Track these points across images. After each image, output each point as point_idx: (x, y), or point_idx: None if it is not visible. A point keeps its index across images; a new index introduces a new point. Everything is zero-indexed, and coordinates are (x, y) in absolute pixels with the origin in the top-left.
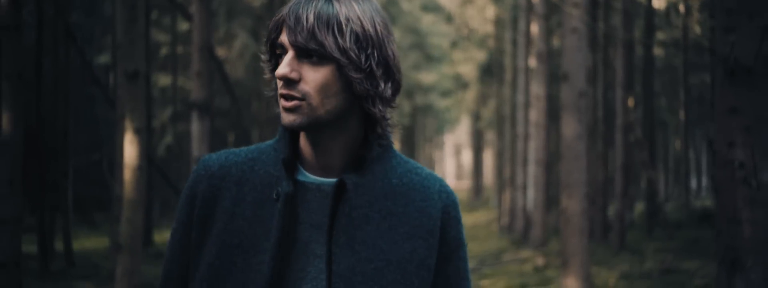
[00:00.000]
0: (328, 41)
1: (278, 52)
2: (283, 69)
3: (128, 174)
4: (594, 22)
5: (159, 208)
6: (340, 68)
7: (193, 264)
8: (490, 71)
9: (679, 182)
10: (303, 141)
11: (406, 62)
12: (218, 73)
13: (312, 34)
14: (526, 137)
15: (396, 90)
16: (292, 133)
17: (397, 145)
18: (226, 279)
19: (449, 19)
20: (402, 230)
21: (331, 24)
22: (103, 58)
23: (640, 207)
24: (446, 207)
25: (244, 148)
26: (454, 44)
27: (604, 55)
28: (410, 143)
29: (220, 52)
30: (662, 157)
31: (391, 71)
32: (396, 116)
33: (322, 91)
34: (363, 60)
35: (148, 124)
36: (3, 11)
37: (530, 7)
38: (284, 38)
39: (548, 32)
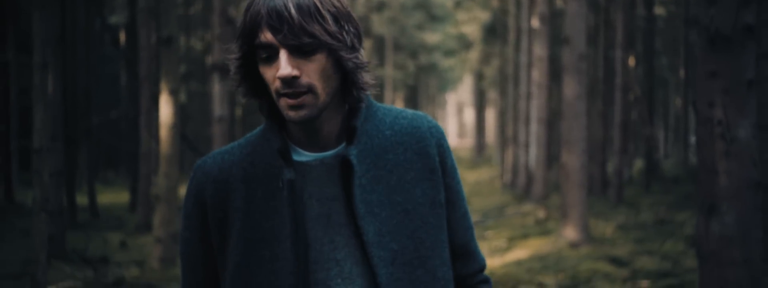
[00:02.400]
0: (317, 31)
1: (263, 53)
2: (285, 70)
3: (164, 132)
4: None
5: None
6: (331, 52)
7: (220, 266)
8: (493, 31)
9: (679, 139)
10: (293, 125)
11: (410, 22)
12: (234, 36)
13: (302, 29)
14: (529, 96)
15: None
16: (275, 117)
17: (400, 105)
18: (256, 273)
19: None
20: (409, 177)
21: (313, 12)
22: (114, 19)
23: (639, 163)
24: (439, 141)
25: (234, 145)
26: (457, 4)
27: (605, 15)
28: (413, 102)
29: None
30: (662, 115)
31: (360, 36)
32: (400, 75)
33: (323, 78)
34: (346, 38)
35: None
36: None
37: None
38: (270, 38)
39: None
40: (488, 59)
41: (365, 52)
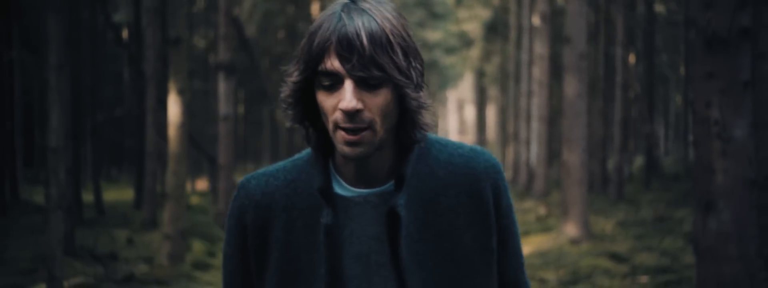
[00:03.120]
0: (387, 65)
1: (325, 81)
2: (350, 103)
3: (173, 130)
4: None
5: None
6: (396, 88)
7: None
8: (494, 29)
9: (679, 136)
10: (340, 160)
11: (411, 19)
12: (238, 35)
13: (373, 60)
14: (530, 94)
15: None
16: (323, 148)
17: None
18: None
19: None
20: (460, 222)
21: (384, 44)
22: (118, 17)
23: (639, 160)
24: (495, 182)
25: (279, 167)
26: (458, 2)
27: (605, 13)
28: None
29: (235, 12)
30: (663, 112)
31: (423, 74)
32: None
33: (384, 113)
34: (413, 74)
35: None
36: None
37: None
38: (337, 66)
39: None
40: (489, 57)
41: None
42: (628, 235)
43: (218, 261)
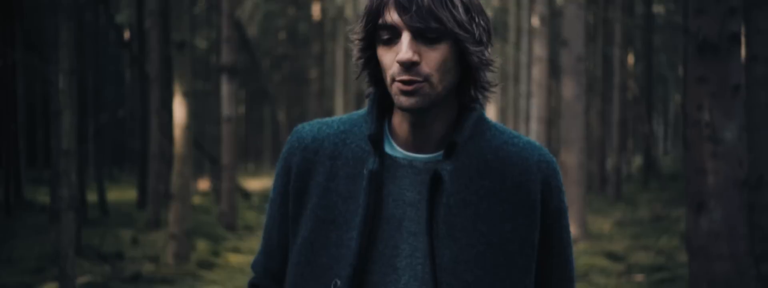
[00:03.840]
0: (447, 18)
1: (385, 35)
2: (406, 54)
3: (178, 132)
4: None
5: None
6: (457, 43)
7: (291, 234)
8: (494, 30)
9: (678, 135)
10: (399, 118)
11: None
12: (239, 36)
13: (431, 13)
14: (529, 95)
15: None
16: (381, 105)
17: None
18: (320, 253)
19: None
20: (501, 210)
21: None
22: (119, 18)
23: (638, 160)
24: (547, 178)
25: (336, 119)
26: None
27: (604, 14)
28: None
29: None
30: (662, 112)
31: (491, 34)
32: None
33: (442, 69)
34: (475, 30)
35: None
36: None
37: None
38: (396, 19)
39: None
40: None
41: None
42: (625, 234)
43: (223, 260)
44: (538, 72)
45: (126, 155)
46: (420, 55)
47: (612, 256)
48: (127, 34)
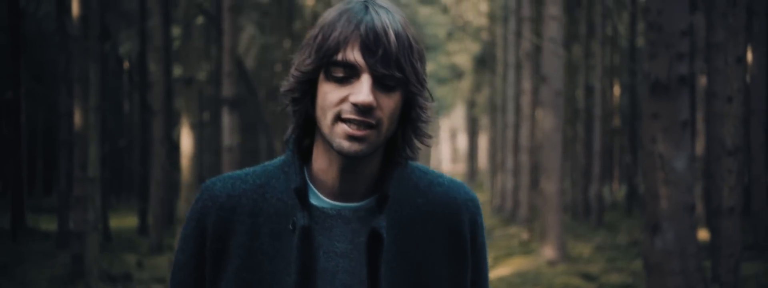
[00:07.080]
0: (408, 68)
1: (339, 72)
2: (368, 97)
3: (185, 161)
4: (574, 17)
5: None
6: (408, 94)
7: None
8: (483, 62)
9: None
10: (325, 163)
11: None
12: (239, 70)
13: (397, 61)
14: (517, 126)
15: None
16: (301, 155)
17: None
18: None
19: (445, 11)
20: (437, 255)
21: (407, 47)
22: (122, 49)
23: (624, 188)
24: (473, 216)
25: (249, 171)
26: (449, 35)
27: (586, 47)
28: None
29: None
30: None
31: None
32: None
33: (392, 118)
34: (425, 83)
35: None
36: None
37: (519, 7)
38: (358, 59)
39: (537, 32)
40: (479, 88)
41: None
42: (602, 257)
43: None
44: (524, 104)
45: (123, 183)
46: (376, 100)
47: (586, 277)
48: (126, 64)
